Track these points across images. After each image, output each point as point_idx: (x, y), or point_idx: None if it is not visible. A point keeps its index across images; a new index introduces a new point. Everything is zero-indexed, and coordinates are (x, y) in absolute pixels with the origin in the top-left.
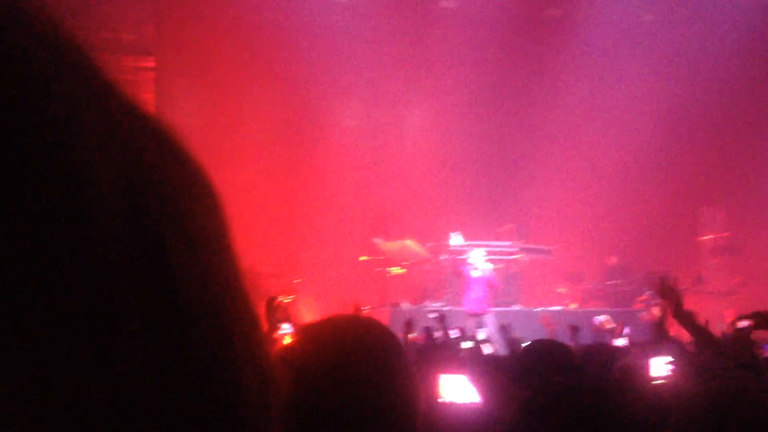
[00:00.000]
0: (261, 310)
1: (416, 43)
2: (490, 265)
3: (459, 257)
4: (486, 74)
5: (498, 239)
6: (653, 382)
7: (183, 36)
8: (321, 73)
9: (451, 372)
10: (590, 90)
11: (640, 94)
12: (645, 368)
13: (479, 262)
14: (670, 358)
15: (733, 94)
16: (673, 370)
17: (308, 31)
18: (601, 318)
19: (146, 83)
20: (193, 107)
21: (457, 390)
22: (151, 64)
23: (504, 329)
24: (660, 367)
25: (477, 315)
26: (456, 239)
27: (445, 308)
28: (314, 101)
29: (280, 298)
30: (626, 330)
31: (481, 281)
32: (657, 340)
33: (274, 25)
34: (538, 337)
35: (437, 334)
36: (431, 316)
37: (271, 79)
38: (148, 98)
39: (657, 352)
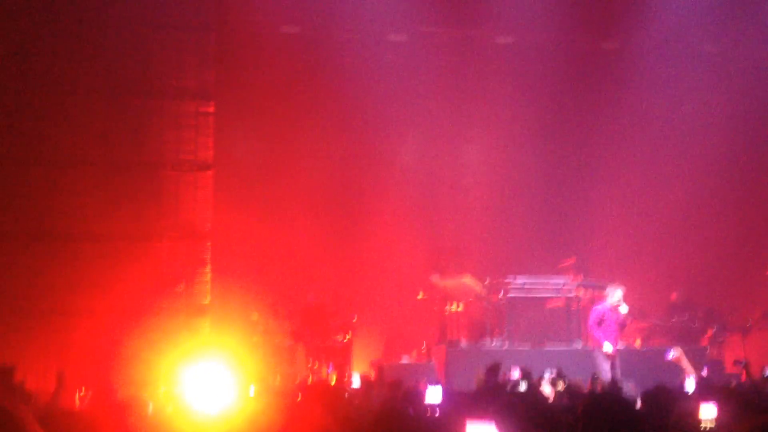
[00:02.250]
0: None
1: (472, 79)
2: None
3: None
4: (543, 108)
5: (558, 275)
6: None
7: (242, 81)
8: (377, 110)
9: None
10: (650, 121)
11: (703, 123)
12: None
13: (620, 302)
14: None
15: None
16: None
17: (364, 70)
18: (674, 353)
19: (206, 127)
20: (251, 150)
21: None
22: (211, 109)
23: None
24: (709, 411)
25: (611, 356)
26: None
27: (503, 347)
28: (370, 139)
29: (338, 338)
30: (704, 372)
31: (616, 321)
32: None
33: (330, 66)
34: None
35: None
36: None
37: (327, 118)
38: (207, 142)
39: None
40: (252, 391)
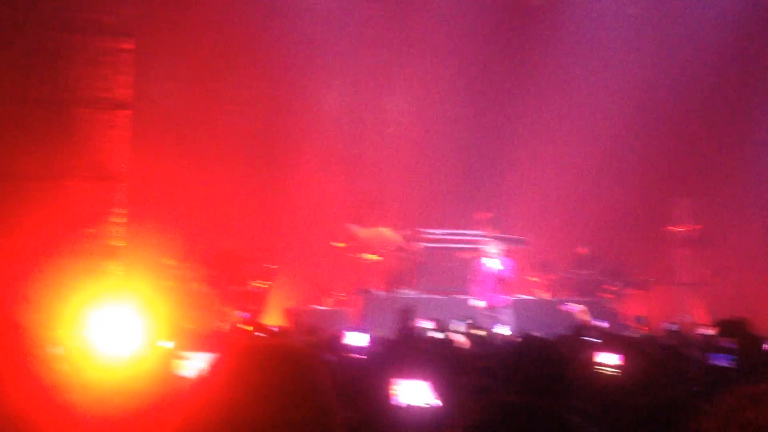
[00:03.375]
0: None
1: (397, 29)
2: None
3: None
4: (467, 62)
5: (473, 228)
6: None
7: (164, 18)
8: (300, 58)
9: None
10: (569, 81)
11: (617, 86)
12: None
13: (494, 255)
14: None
15: (709, 89)
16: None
17: (287, 15)
18: (576, 307)
19: (125, 65)
20: (172, 89)
21: (417, 394)
22: (131, 45)
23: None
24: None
25: (492, 307)
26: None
27: (420, 296)
28: (294, 85)
29: (255, 284)
30: (604, 323)
31: (493, 274)
32: None
33: (253, 10)
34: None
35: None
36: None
37: (249, 64)
38: (126, 80)
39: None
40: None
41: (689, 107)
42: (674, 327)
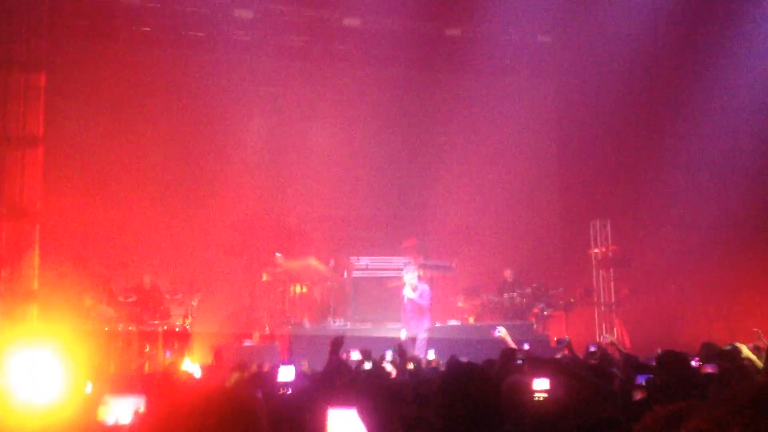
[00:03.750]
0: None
1: (319, 61)
2: (423, 286)
3: (365, 275)
4: (389, 92)
5: (400, 255)
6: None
7: (76, 52)
8: (222, 89)
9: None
10: (489, 107)
11: (534, 111)
12: (530, 385)
13: (410, 283)
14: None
15: (624, 112)
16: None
17: (207, 47)
18: (501, 331)
19: (36, 100)
20: (85, 125)
21: (347, 425)
22: (41, 81)
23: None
24: (542, 384)
25: (413, 336)
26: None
27: (346, 327)
28: (214, 116)
29: (178, 321)
30: (526, 345)
31: (412, 302)
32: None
33: (171, 42)
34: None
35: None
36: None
37: (169, 93)
38: (37, 116)
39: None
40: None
41: (603, 132)
42: (593, 348)
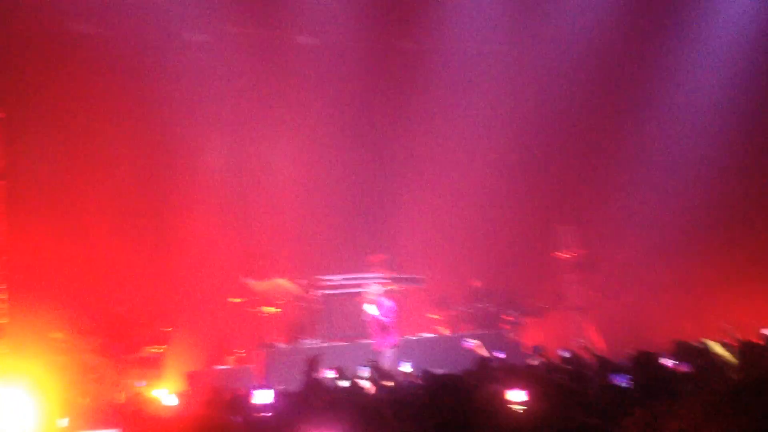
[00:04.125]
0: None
1: (276, 79)
2: (383, 300)
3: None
4: (346, 108)
5: (369, 271)
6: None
7: (33, 84)
8: (181, 112)
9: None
10: (447, 119)
11: (493, 120)
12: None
13: (374, 297)
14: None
15: (581, 115)
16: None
17: (163, 71)
18: (472, 342)
19: None
20: (47, 157)
21: None
22: (1, 115)
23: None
24: (518, 395)
25: (378, 351)
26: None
27: (322, 345)
28: (175, 141)
29: (150, 350)
30: (501, 354)
31: (375, 319)
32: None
33: (127, 69)
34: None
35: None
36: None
37: (128, 121)
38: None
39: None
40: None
41: (563, 136)
42: (567, 353)
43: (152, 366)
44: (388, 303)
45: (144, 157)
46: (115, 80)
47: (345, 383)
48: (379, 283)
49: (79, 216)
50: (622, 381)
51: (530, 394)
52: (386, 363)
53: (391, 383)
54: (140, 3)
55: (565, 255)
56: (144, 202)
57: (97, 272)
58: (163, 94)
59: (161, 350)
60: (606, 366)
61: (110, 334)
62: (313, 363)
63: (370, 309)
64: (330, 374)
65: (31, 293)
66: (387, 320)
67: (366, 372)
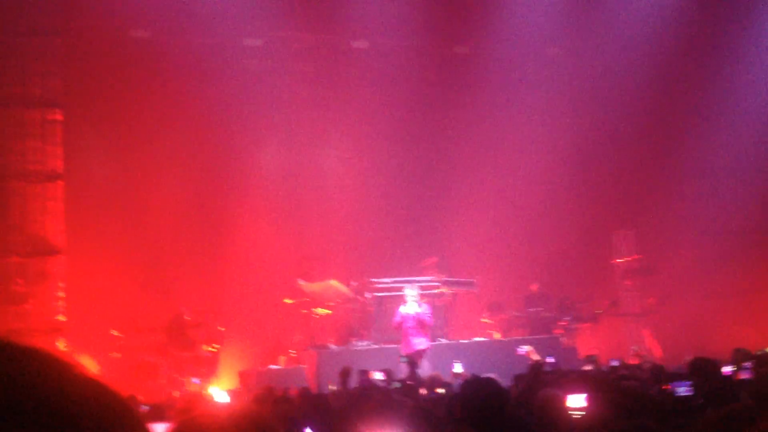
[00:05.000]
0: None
1: (330, 83)
2: (418, 305)
3: (388, 295)
4: (400, 111)
5: (421, 274)
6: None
7: (92, 87)
8: (235, 117)
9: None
10: (504, 123)
11: (551, 124)
12: (563, 400)
13: (412, 300)
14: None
15: (640, 121)
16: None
17: (220, 76)
18: (525, 348)
19: (54, 136)
20: (105, 158)
21: None
22: (59, 116)
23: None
24: (578, 400)
25: (413, 354)
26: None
27: (372, 347)
28: (229, 146)
29: (205, 348)
30: (550, 359)
31: (415, 320)
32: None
33: (184, 72)
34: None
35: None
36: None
37: (183, 125)
38: (56, 151)
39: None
40: None
41: (621, 141)
42: (616, 362)
43: (207, 364)
44: (424, 305)
45: (201, 159)
46: (172, 85)
47: (396, 385)
48: (417, 285)
49: (137, 216)
50: (682, 388)
51: (589, 400)
52: (425, 366)
53: (441, 386)
54: (199, 9)
55: (621, 260)
56: (200, 203)
57: (154, 272)
58: (220, 98)
59: (216, 349)
60: (662, 373)
61: (166, 332)
62: (344, 375)
63: (412, 308)
64: (379, 376)
65: (89, 292)
66: (428, 320)
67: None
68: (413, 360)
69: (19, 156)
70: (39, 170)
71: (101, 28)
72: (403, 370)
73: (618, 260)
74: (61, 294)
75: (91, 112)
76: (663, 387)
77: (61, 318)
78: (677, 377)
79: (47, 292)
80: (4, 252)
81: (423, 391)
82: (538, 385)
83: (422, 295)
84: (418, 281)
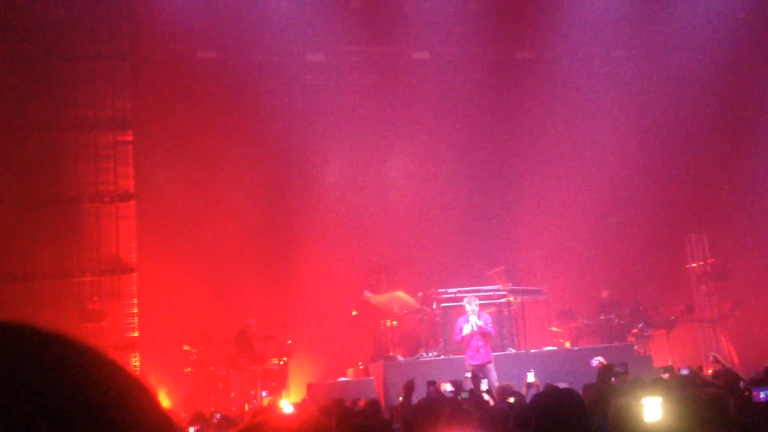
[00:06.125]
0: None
1: (392, 95)
2: (482, 315)
3: (455, 305)
4: (463, 121)
5: (488, 283)
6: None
7: (160, 108)
8: (300, 132)
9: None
10: (570, 128)
11: (619, 128)
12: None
13: (472, 314)
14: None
15: (712, 124)
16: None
17: (284, 91)
18: (598, 359)
19: (125, 156)
20: (174, 177)
21: None
22: (129, 137)
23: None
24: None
25: (477, 365)
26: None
27: (439, 358)
28: (295, 160)
29: (273, 362)
30: (624, 369)
31: (476, 333)
32: None
33: (249, 90)
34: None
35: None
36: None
37: (249, 142)
38: (127, 171)
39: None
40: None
41: (697, 145)
42: (685, 371)
43: (276, 377)
44: (484, 315)
45: (267, 175)
46: (238, 103)
47: (465, 395)
48: (474, 298)
49: (206, 233)
50: (762, 394)
51: (665, 407)
52: (492, 376)
53: (512, 396)
54: (261, 27)
55: (695, 264)
56: (267, 218)
57: (222, 287)
58: (285, 114)
59: (284, 362)
60: (741, 379)
61: (235, 346)
62: (408, 388)
63: (475, 320)
64: (448, 387)
65: (161, 308)
66: (491, 330)
67: (485, 384)
68: (477, 372)
69: (92, 177)
70: (111, 191)
71: (168, 49)
72: (470, 382)
73: (691, 264)
74: (134, 310)
75: (161, 132)
76: (744, 393)
77: (135, 334)
78: (756, 383)
79: (121, 309)
80: (80, 271)
81: (491, 402)
82: (609, 391)
83: (486, 305)
84: (484, 290)
